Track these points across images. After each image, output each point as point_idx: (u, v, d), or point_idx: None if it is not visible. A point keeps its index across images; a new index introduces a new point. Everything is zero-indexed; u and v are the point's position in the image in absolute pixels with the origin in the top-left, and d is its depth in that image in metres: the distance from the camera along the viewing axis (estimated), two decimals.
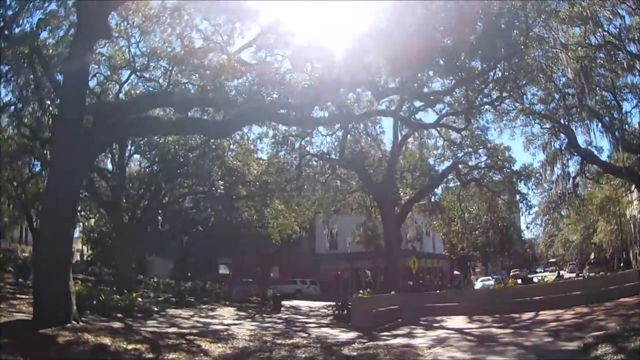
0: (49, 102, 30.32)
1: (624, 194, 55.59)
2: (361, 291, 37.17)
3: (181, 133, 34.83)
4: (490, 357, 17.11)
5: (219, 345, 18.92)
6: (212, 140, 41.15)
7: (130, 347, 16.48)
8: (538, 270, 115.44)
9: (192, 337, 20.22)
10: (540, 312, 27.61)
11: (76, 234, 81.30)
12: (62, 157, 19.83)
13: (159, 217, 63.67)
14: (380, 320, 27.66)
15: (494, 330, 24.11)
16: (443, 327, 26.10)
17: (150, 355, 16.09)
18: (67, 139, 19.71)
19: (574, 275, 68.80)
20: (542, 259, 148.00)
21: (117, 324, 22.45)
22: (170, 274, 79.71)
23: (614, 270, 63.23)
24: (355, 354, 18.21)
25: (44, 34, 31.54)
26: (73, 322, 18.14)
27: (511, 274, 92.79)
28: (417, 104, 40.61)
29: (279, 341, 21.11)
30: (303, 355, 17.87)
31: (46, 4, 30.09)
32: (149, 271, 75.85)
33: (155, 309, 31.51)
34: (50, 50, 30.23)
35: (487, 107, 39.13)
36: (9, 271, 37.31)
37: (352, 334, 24.47)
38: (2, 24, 28.85)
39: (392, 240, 42.05)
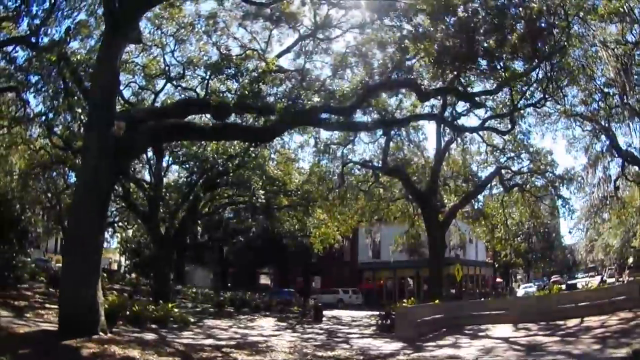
0: (79, 110, 29.77)
1: None
2: (405, 300, 36.27)
3: (219, 139, 34.13)
4: None
5: (257, 358, 17.90)
6: (251, 149, 40.66)
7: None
8: (578, 275, 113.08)
9: (228, 350, 19.17)
10: (586, 318, 26.45)
11: (114, 245, 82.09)
12: (90, 163, 19.11)
13: (199, 228, 63.63)
14: (425, 330, 26.69)
15: (540, 338, 22.92)
16: (489, 336, 25.14)
17: None
18: (95, 146, 18.99)
19: (613, 280, 67.32)
20: (581, 265, 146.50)
21: (150, 335, 21.60)
22: (210, 284, 79.61)
23: None
24: None
25: (74, 44, 31.60)
26: (101, 333, 17.38)
27: (552, 280, 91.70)
28: (460, 108, 39.69)
29: (319, 353, 19.94)
30: None
31: (75, 13, 30.04)
32: (188, 281, 75.31)
33: (192, 319, 30.65)
34: (79, 57, 29.69)
35: (529, 110, 37.87)
36: (40, 281, 36.68)
37: (396, 345, 23.31)
38: (29, 33, 28.80)
39: (436, 247, 41.03)
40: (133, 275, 75.20)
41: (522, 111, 37.09)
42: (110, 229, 72.86)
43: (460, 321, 29.51)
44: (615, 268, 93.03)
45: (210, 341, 22.35)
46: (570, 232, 74.18)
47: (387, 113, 36.48)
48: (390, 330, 28.30)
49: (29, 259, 50.97)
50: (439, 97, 36.51)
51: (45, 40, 29.38)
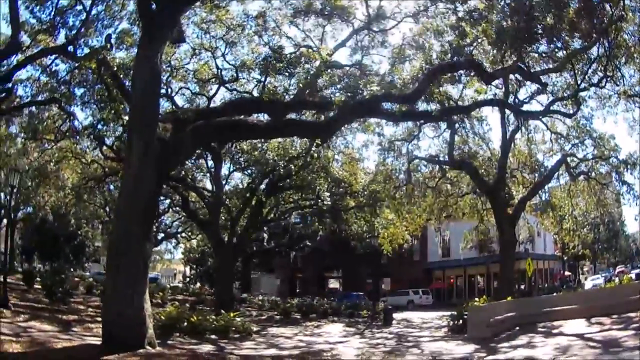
0: (126, 117, 29.26)
1: None
2: (477, 299, 34.26)
3: (275, 136, 33.11)
4: None
5: None
6: (313, 149, 39.27)
7: None
8: (623, 270, 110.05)
9: None
10: None
11: (179, 255, 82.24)
12: (133, 168, 18.23)
13: (264, 234, 63.14)
14: (498, 329, 25.29)
15: (615, 333, 21.36)
16: (562, 333, 23.32)
17: None
18: (138, 149, 18.06)
19: None
20: None
21: (207, 347, 20.90)
22: (277, 291, 79.17)
23: None
24: None
25: (120, 54, 30.96)
26: (148, 347, 16.52)
27: (617, 270, 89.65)
28: (522, 96, 38.58)
29: None
30: None
31: (116, 22, 29.69)
32: (255, 289, 75.02)
33: (255, 328, 30.21)
34: (118, 60, 29.30)
35: (590, 93, 36.62)
36: (97, 294, 36.51)
37: (469, 347, 22.00)
38: (66, 43, 28.27)
39: (507, 242, 39.49)
40: (197, 285, 75.26)
41: (584, 92, 35.67)
42: (173, 240, 73.52)
43: (533, 318, 27.86)
44: None
45: (272, 351, 21.40)
46: (636, 219, 71.49)
47: (450, 102, 35.35)
48: (463, 332, 26.89)
49: (87, 273, 50.99)
50: (501, 85, 35.95)
51: (86, 50, 28.99)
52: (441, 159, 43.10)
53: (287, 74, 31.93)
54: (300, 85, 29.84)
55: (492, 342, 22.53)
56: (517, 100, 38.58)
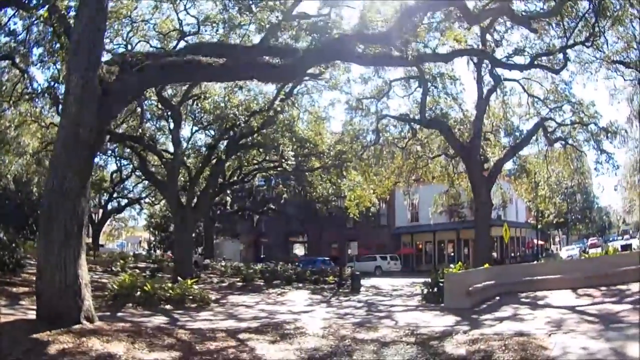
0: None
1: None
2: (451, 265, 32.20)
3: (235, 78, 30.01)
4: (631, 344, 12.70)
5: (281, 345, 14.49)
6: (277, 102, 38.09)
7: (150, 357, 12.38)
8: (612, 238, 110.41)
9: (246, 335, 15.79)
10: None
11: (142, 222, 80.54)
12: (70, 114, 15.83)
13: (228, 197, 61.74)
14: (477, 299, 23.37)
15: (609, 306, 19.46)
16: (550, 305, 21.55)
17: None
18: (76, 92, 15.64)
19: None
20: (613, 228, 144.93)
21: (158, 319, 19.03)
22: (241, 257, 77.89)
23: None
24: (464, 351, 13.43)
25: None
26: (84, 321, 14.35)
27: (589, 242, 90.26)
28: (499, 55, 37.19)
29: (360, 335, 16.20)
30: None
31: None
32: (219, 255, 73.50)
33: (214, 296, 28.50)
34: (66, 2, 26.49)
35: (573, 54, 36.06)
36: None
37: (448, 319, 19.80)
38: None
39: (483, 205, 38.04)
40: (160, 252, 73.59)
41: (569, 50, 34.65)
42: (137, 206, 71.93)
43: (513, 287, 26.38)
44: None
45: (229, 323, 19.12)
46: (615, 189, 71.31)
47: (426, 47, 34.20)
48: (439, 301, 24.77)
49: None
50: (479, 44, 34.45)
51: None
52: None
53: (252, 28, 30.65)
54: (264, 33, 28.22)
55: (473, 314, 20.50)
56: (495, 60, 36.99)
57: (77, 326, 13.77)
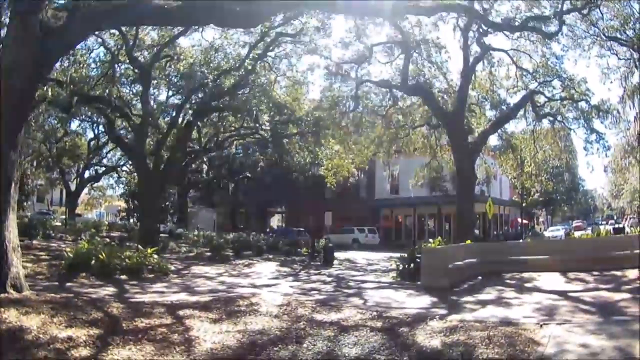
0: None
1: None
2: (430, 240, 30.12)
3: (189, 23, 28.68)
4: (638, 343, 10.51)
5: (224, 325, 12.62)
6: (248, 61, 36.89)
7: (64, 334, 10.67)
8: (597, 222, 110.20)
9: (189, 312, 13.89)
10: None
11: (121, 191, 79.05)
12: (10, 56, 14.43)
13: (204, 165, 60.51)
14: (457, 277, 21.56)
15: (604, 294, 17.55)
16: (539, 289, 19.70)
17: (81, 353, 10.08)
18: (19, 32, 14.44)
19: (631, 229, 61.83)
20: (599, 212, 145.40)
21: (105, 291, 17.76)
22: (217, 226, 76.38)
23: None
24: (438, 343, 11.39)
25: None
26: (11, 290, 12.97)
27: (574, 224, 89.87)
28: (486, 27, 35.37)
29: (319, 316, 14.21)
30: (352, 352, 11.07)
31: None
32: (194, 224, 72.22)
33: (176, 267, 27.55)
34: None
35: (565, 31, 34.72)
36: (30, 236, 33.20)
37: (424, 300, 17.92)
38: None
39: (466, 177, 35.94)
40: (132, 220, 71.93)
41: (566, 16, 32.94)
42: (115, 174, 70.46)
43: (497, 267, 24.73)
44: (636, 217, 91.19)
45: (179, 296, 17.35)
46: (605, 171, 70.63)
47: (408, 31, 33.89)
48: (415, 278, 22.54)
49: (28, 213, 49.85)
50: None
51: None
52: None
53: None
54: None
55: (452, 294, 18.59)
56: (481, 29, 35.94)
57: (2, 295, 12.57)
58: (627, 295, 16.76)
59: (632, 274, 21.04)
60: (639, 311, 13.78)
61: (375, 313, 14.64)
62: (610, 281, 20.34)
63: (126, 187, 77.66)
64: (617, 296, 16.87)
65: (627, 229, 59.87)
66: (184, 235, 51.28)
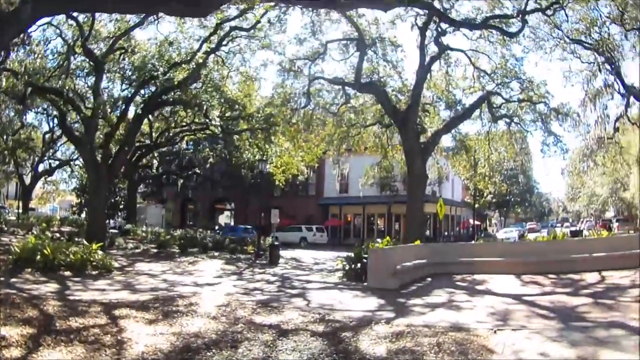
0: None
1: None
2: (378, 240, 29.27)
3: (138, 10, 27.56)
4: (605, 351, 10.00)
5: (159, 327, 12.10)
6: (199, 54, 37.19)
7: None
8: (551, 225, 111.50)
9: (126, 311, 13.37)
10: (604, 273, 21.24)
11: (74, 185, 78.05)
12: None
13: (155, 160, 59.94)
14: (405, 278, 21.06)
15: (563, 298, 17.00)
16: (492, 292, 19.15)
17: (12, 353, 9.52)
18: None
19: (589, 232, 62.63)
20: (553, 214, 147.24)
21: (47, 288, 17.31)
22: (166, 223, 75.72)
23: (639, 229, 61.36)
24: (383, 350, 10.72)
25: None
26: None
27: (528, 226, 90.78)
28: (445, 25, 35.38)
29: (259, 319, 13.61)
30: (289, 359, 10.42)
31: None
32: (143, 220, 71.63)
33: (120, 264, 27.06)
34: None
35: (526, 32, 35.02)
36: None
37: (370, 302, 17.21)
38: None
39: (417, 176, 35.41)
40: (83, 215, 70.81)
41: (529, 18, 33.17)
42: (68, 168, 69.93)
43: (448, 268, 24.35)
44: (593, 220, 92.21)
45: (120, 295, 16.89)
46: (562, 174, 71.44)
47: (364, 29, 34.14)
48: (362, 279, 22.17)
49: None
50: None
51: None
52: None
53: None
54: None
55: (400, 297, 18.05)
56: (439, 28, 35.71)
57: None
58: (587, 300, 16.29)
59: (591, 277, 20.79)
60: (602, 316, 13.38)
61: (317, 316, 14.14)
62: (568, 285, 19.91)
63: (79, 182, 76.51)
64: (575, 301, 16.33)
65: (585, 232, 60.35)
66: (133, 231, 50.43)
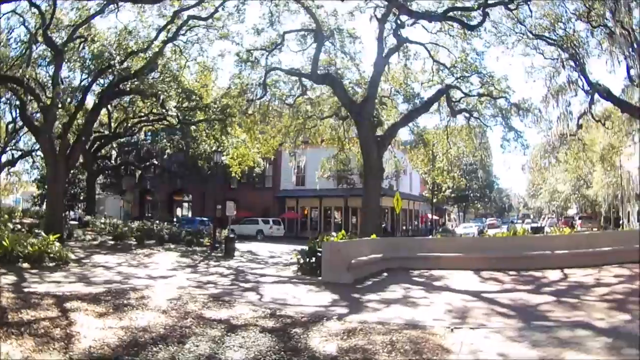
0: None
1: (630, 144, 53.73)
2: (334, 233, 28.61)
3: None
4: (569, 353, 9.67)
5: (109, 320, 11.84)
6: (156, 43, 36.98)
7: None
8: (512, 221, 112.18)
9: (77, 304, 13.16)
10: (567, 271, 21.24)
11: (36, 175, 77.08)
12: None
13: (114, 151, 59.46)
14: (361, 273, 20.97)
15: (523, 295, 16.69)
16: (449, 288, 19.00)
17: None
18: None
19: (551, 229, 62.99)
20: (514, 210, 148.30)
21: (5, 280, 17.19)
22: (124, 214, 75.04)
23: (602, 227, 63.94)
24: (334, 349, 10.40)
25: None
26: None
27: (487, 222, 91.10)
28: (405, 17, 35.43)
29: (209, 313, 13.40)
30: (235, 356, 10.00)
31: None
32: (103, 211, 71.59)
33: (77, 255, 26.96)
34: None
35: (488, 26, 35.33)
36: None
37: (324, 297, 17.06)
38: None
39: (373, 168, 35.11)
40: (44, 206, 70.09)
41: (491, 11, 33.54)
42: (30, 159, 69.41)
43: (405, 263, 24.23)
44: (554, 216, 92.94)
45: (75, 287, 16.68)
46: (523, 170, 71.77)
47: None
48: (316, 273, 21.91)
49: None
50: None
51: None
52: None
53: None
54: None
55: (355, 292, 17.91)
56: (399, 20, 35.67)
57: None
58: (549, 299, 15.95)
59: (553, 275, 20.76)
60: (564, 315, 13.21)
61: (269, 311, 13.90)
62: (529, 282, 19.70)
63: (40, 173, 75.52)
64: (538, 299, 16.03)
65: (546, 229, 60.66)
66: (91, 222, 50.12)
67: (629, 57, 32.20)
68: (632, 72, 33.43)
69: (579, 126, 39.10)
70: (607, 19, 32.11)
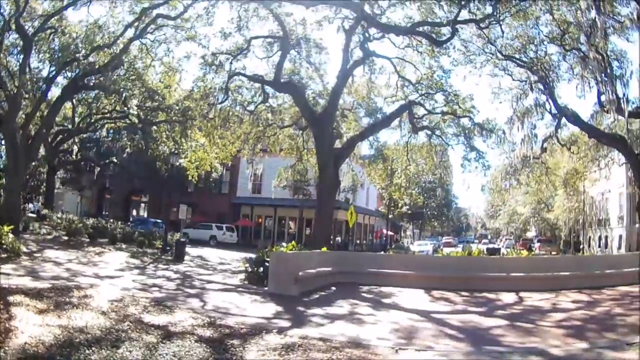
0: None
1: (595, 169, 53.31)
2: (284, 244, 27.99)
3: None
4: None
5: (48, 318, 11.63)
6: (122, 39, 37.29)
7: None
8: (469, 240, 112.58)
9: (20, 299, 12.94)
10: (522, 294, 21.19)
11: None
12: None
13: (75, 146, 58.86)
14: (308, 286, 20.80)
15: (475, 318, 16.50)
16: (398, 306, 18.74)
17: None
18: None
19: (508, 251, 63.20)
20: (471, 230, 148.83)
21: None
22: (82, 210, 74.14)
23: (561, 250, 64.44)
24: None
25: None
26: None
27: (444, 240, 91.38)
28: (373, 30, 35.91)
29: (148, 318, 13.12)
30: None
31: None
32: (61, 205, 71.45)
33: (30, 249, 27.21)
34: None
35: (457, 44, 35.90)
36: None
37: (268, 308, 16.92)
38: None
39: (328, 180, 35.05)
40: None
41: (461, 30, 34.03)
42: None
43: (354, 278, 24.24)
44: (512, 238, 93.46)
45: (21, 281, 16.61)
46: (482, 190, 71.74)
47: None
48: (263, 283, 21.75)
49: None
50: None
51: None
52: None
53: None
54: None
55: (300, 305, 17.81)
56: (367, 33, 36.03)
57: None
58: (503, 322, 15.78)
59: (508, 297, 20.72)
60: (517, 341, 12.98)
61: (209, 319, 13.69)
62: (482, 304, 19.63)
63: (3, 162, 74.78)
64: (490, 322, 15.86)
65: (503, 250, 60.71)
66: (49, 216, 49.47)
67: (601, 82, 32.50)
68: (603, 97, 33.58)
69: (544, 149, 39.47)
70: (581, 43, 32.55)
